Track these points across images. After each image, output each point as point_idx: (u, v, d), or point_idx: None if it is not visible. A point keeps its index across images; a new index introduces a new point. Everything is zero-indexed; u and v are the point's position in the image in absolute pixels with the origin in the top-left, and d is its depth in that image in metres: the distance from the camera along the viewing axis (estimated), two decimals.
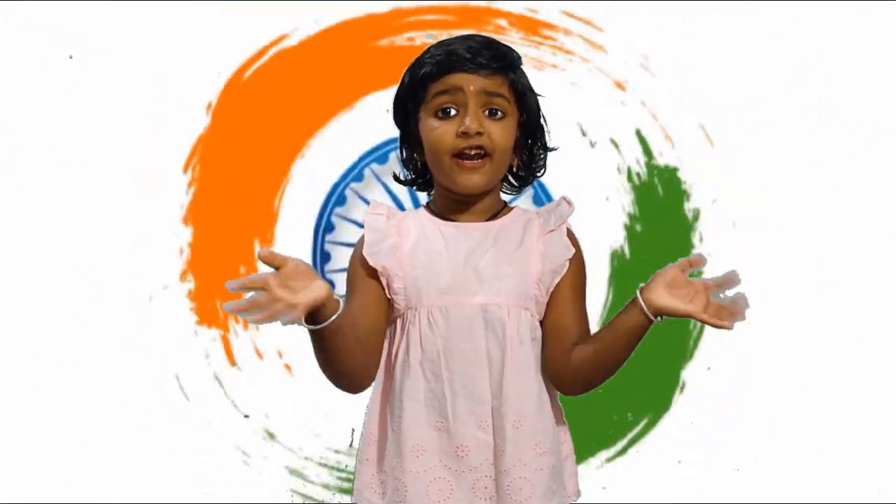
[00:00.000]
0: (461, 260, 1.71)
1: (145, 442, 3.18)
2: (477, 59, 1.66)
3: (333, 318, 1.54)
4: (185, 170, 3.23)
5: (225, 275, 3.04)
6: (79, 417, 3.17)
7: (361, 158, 3.20)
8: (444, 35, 3.08)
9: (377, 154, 3.19)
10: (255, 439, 3.23)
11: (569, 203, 1.79)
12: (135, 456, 3.18)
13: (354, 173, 3.21)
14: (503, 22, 3.17)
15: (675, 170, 3.22)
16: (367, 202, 2.94)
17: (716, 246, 3.18)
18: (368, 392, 1.77)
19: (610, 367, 1.73)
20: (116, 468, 3.18)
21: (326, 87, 3.21)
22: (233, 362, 3.21)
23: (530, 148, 1.79)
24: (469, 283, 1.69)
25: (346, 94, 3.21)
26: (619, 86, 3.21)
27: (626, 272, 3.20)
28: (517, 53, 1.75)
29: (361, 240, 1.75)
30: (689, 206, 3.22)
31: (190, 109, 3.20)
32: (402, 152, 1.80)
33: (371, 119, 3.16)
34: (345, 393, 1.72)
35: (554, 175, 3.21)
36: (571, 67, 3.20)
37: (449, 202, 1.76)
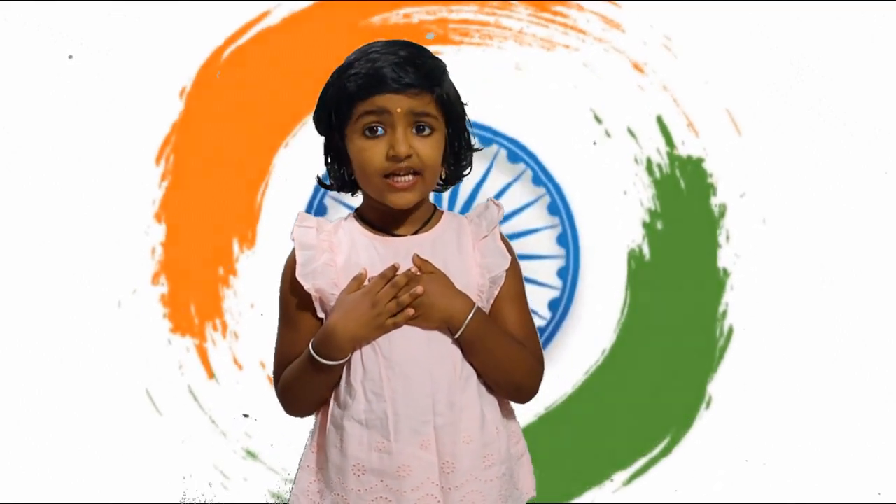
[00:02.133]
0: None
1: (114, 463, 3.13)
2: (403, 80, 1.69)
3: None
4: (158, 161, 3.16)
5: (201, 277, 3.12)
6: (38, 437, 3.13)
7: None
8: (440, 37, 3.02)
9: None
10: (235, 459, 3.16)
11: (498, 206, 1.80)
12: (102, 479, 3.13)
13: None
14: None
15: (699, 161, 3.15)
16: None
17: (744, 245, 3.14)
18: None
19: (490, 374, 1.77)
20: (81, 492, 3.12)
21: (314, 68, 2.92)
22: (210, 374, 3.16)
23: (456, 152, 1.82)
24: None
25: None
26: (638, 68, 3.15)
27: (645, 275, 3.14)
28: (443, 64, 1.77)
29: (291, 260, 1.77)
30: (714, 201, 3.15)
31: (162, 94, 3.14)
32: (326, 161, 1.82)
33: None
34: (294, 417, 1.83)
35: (566, 168, 3.15)
36: (585, 48, 3.13)
37: (379, 213, 1.80)
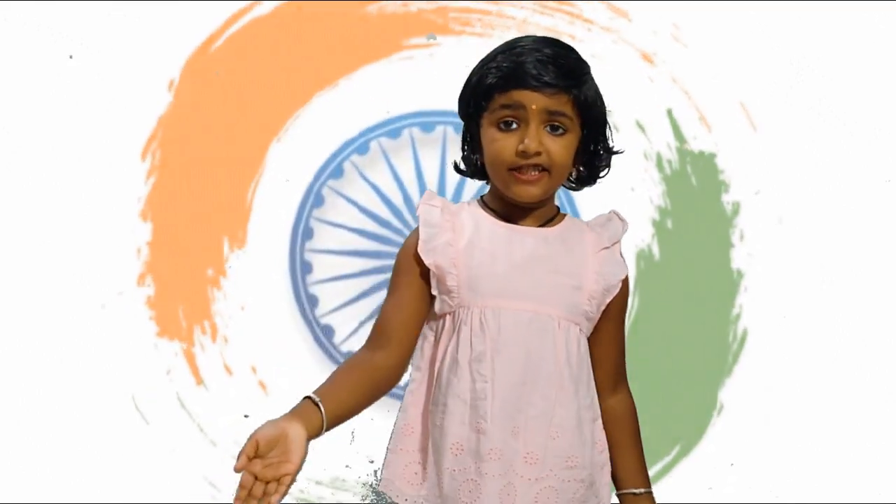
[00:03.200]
0: (517, 264, 1.82)
1: (98, 475, 3.11)
2: (542, 78, 1.77)
3: (325, 425, 1.71)
4: (144, 157, 3.16)
5: (189, 279, 3.15)
6: (17, 447, 3.11)
7: (345, 146, 3.19)
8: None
9: (359, 142, 3.21)
10: (226, 469, 2.95)
11: (622, 219, 1.91)
12: (85, 491, 3.11)
13: (333, 166, 3.22)
14: None
15: (711, 156, 3.17)
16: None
17: (759, 245, 3.15)
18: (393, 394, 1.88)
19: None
20: None
21: (306, 60, 3.17)
22: (199, 380, 3.17)
23: (591, 154, 1.90)
24: (524, 288, 1.81)
25: (330, 68, 3.18)
26: (647, 59, 3.17)
27: (654, 275, 3.16)
28: (586, 65, 1.85)
29: (415, 233, 1.85)
30: (727, 199, 3.17)
31: (149, 86, 3.15)
32: (463, 148, 1.92)
33: (359, 97, 3.16)
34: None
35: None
36: (591, 38, 3.15)
37: (504, 203, 1.87)
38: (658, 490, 3.05)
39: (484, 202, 1.91)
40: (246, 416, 3.10)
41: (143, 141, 3.13)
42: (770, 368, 3.11)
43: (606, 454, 1.89)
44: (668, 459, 3.12)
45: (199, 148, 3.15)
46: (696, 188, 3.14)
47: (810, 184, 3.12)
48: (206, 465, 3.12)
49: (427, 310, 1.86)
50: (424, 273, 1.83)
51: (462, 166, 1.94)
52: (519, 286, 1.80)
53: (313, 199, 3.18)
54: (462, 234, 1.84)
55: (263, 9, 3.14)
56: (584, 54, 3.04)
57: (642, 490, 1.90)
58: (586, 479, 1.82)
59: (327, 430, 1.72)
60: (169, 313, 3.14)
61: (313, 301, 3.13)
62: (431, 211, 1.85)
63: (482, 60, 1.85)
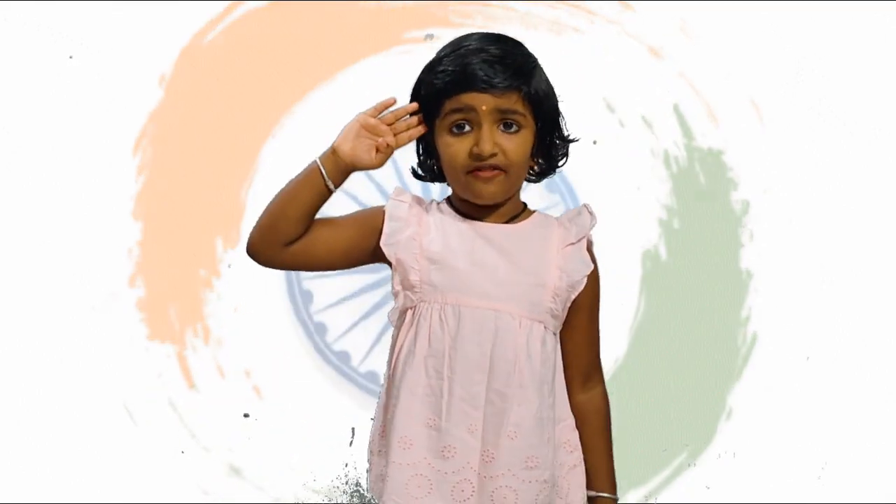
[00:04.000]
0: (479, 261, 1.84)
1: (87, 480, 3.11)
2: (490, 80, 1.79)
3: (319, 163, 1.80)
4: (134, 153, 3.17)
5: (181, 280, 3.17)
6: (9, 449, 3.11)
7: None
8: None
9: None
10: (218, 475, 3.15)
11: (591, 213, 1.90)
12: (77, 493, 3.10)
13: None
14: None
15: (719, 153, 3.18)
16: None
17: (769, 245, 3.15)
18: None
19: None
20: None
21: (302, 54, 3.17)
22: (191, 383, 3.17)
23: (548, 146, 1.91)
24: (485, 286, 1.82)
25: (326, 62, 3.19)
26: (654, 53, 3.17)
27: (661, 276, 3.16)
28: (534, 58, 1.88)
29: (381, 210, 1.89)
30: (736, 197, 3.17)
31: (139, 81, 3.16)
32: (418, 153, 1.94)
33: (357, 92, 3.11)
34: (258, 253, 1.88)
35: (576, 161, 3.02)
36: (595, 31, 3.17)
37: (468, 204, 1.90)
38: (666, 494, 3.12)
39: (451, 201, 1.93)
40: (246, 416, 3.15)
41: (133, 137, 3.15)
42: (780, 372, 3.12)
43: (578, 454, 1.89)
44: (676, 464, 3.12)
45: (192, 144, 3.17)
46: (704, 186, 3.16)
47: (821, 182, 3.14)
48: (198, 470, 3.13)
49: (346, 254, 1.88)
50: (366, 234, 1.86)
51: (420, 171, 1.96)
52: (480, 284, 1.82)
53: None
54: (427, 230, 1.87)
55: (258, 1, 3.15)
56: (588, 48, 3.04)
57: (605, 494, 1.88)
58: (549, 479, 1.83)
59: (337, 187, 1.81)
60: (160, 315, 3.15)
61: (308, 300, 3.13)
62: (399, 206, 1.88)
63: (428, 65, 1.88)
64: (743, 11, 3.14)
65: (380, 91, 3.20)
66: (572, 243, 1.88)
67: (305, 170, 1.84)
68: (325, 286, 3.13)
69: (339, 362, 3.12)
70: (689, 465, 3.12)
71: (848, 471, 3.08)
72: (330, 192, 1.82)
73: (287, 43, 3.16)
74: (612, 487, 1.90)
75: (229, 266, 3.15)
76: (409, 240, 1.86)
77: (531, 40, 3.01)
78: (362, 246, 1.89)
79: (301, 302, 3.13)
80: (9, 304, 3.11)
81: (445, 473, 1.79)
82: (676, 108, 3.16)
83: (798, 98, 3.14)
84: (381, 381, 1.90)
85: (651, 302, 3.14)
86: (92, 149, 3.13)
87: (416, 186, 3.08)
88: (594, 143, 3.11)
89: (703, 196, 3.17)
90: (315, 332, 3.15)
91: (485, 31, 1.89)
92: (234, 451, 3.16)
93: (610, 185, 3.13)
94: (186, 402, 3.15)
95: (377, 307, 3.08)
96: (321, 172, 1.80)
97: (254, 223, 1.87)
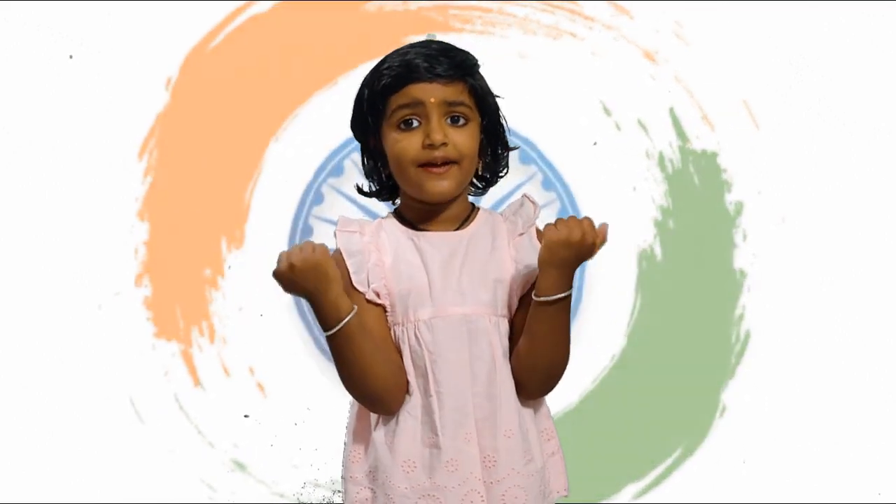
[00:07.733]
0: (439, 273, 1.83)
1: (94, 476, 3.10)
2: (435, 69, 1.79)
3: (351, 315, 1.74)
4: (141, 156, 3.16)
5: (186, 279, 3.18)
6: (12, 449, 3.10)
7: (345, 144, 3.16)
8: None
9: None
10: (223, 471, 3.14)
11: (534, 203, 1.89)
12: (83, 491, 3.10)
13: (334, 164, 3.22)
14: None
15: (714, 155, 3.17)
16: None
17: (762, 245, 3.15)
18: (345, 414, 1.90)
19: (540, 352, 1.81)
20: None
21: (305, 58, 3.16)
22: (196, 381, 3.16)
23: (493, 150, 1.92)
24: (450, 295, 1.82)
25: (329, 66, 3.16)
26: (649, 57, 3.16)
27: (656, 276, 3.15)
28: (475, 57, 1.87)
29: (336, 256, 1.83)
30: (730, 199, 3.16)
31: (146, 85, 3.15)
32: (364, 164, 1.93)
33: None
34: (381, 415, 1.82)
35: (574, 162, 3.25)
36: (592, 36, 3.15)
37: (418, 211, 1.89)
38: (660, 492, 3.11)
39: (399, 214, 1.91)
40: (246, 416, 3.14)
41: (140, 140, 3.13)
42: (773, 370, 3.10)
43: (556, 442, 1.89)
44: (670, 461, 3.11)
45: (197, 146, 3.15)
46: (698, 188, 3.15)
47: (814, 183, 3.11)
48: (204, 467, 3.13)
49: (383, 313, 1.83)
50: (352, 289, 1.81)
51: (365, 188, 1.93)
52: (446, 294, 1.80)
53: (313, 197, 3.16)
54: (386, 251, 1.84)
55: (262, 6, 3.14)
56: (585, 52, 3.07)
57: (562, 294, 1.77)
58: (541, 469, 1.82)
59: (351, 319, 1.73)
60: (167, 314, 3.13)
61: None
62: (351, 238, 1.84)
63: (370, 72, 1.85)
64: (737, 17, 3.12)
65: None
66: (522, 233, 1.87)
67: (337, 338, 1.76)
68: None
69: None
70: (683, 463, 3.10)
71: (841, 468, 3.07)
72: (350, 320, 1.74)
73: (291, 47, 3.14)
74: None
75: (229, 267, 3.15)
76: (374, 266, 1.84)
77: (530, 44, 3.11)
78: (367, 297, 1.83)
79: (305, 301, 3.14)
80: (17, 302, 3.10)
81: (453, 487, 1.77)
82: (672, 112, 3.15)
83: (791, 101, 3.12)
84: (351, 407, 1.86)
85: (646, 301, 3.12)
86: (100, 150, 3.12)
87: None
88: (594, 144, 3.13)
89: (698, 197, 3.16)
90: (319, 332, 3.16)
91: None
92: (239, 447, 3.14)
93: (606, 185, 3.11)
94: (192, 399, 3.13)
95: None
96: (346, 321, 1.74)
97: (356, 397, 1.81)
